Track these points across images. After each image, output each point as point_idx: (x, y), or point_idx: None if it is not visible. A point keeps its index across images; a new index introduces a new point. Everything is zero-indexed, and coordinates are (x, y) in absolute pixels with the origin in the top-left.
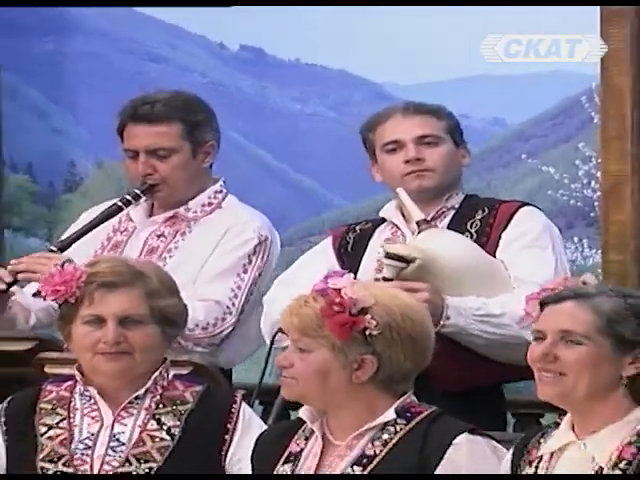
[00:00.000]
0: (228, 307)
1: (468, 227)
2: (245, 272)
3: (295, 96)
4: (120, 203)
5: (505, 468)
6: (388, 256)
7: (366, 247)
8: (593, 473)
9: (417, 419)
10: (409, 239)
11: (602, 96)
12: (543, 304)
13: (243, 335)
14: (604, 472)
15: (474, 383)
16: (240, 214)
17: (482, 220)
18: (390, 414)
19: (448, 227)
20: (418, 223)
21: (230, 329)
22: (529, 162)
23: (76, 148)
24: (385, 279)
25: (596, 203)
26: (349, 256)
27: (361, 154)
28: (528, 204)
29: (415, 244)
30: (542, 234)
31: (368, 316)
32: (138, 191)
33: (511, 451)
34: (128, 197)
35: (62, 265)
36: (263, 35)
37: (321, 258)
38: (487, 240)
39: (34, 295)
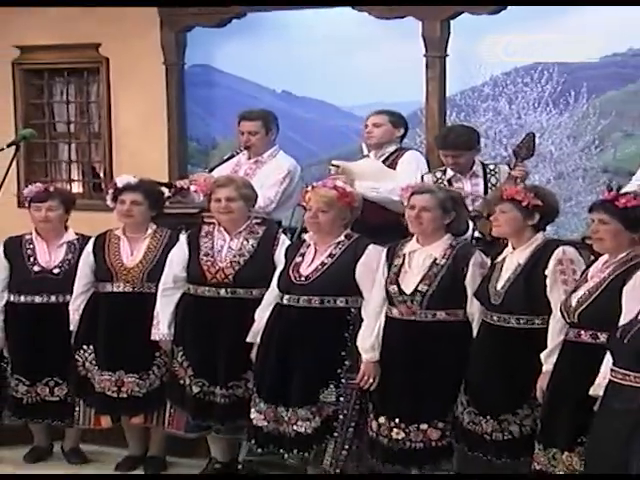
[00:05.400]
0: (274, 199)
1: (390, 160)
2: (282, 184)
3: (307, 110)
4: (235, 153)
5: (383, 260)
6: (329, 164)
7: None
8: (430, 262)
9: (352, 239)
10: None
11: (426, 111)
12: (414, 193)
13: (279, 210)
14: (437, 262)
15: (383, 219)
16: (282, 159)
17: (395, 157)
18: (342, 237)
19: (383, 162)
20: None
21: (274, 207)
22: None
23: (216, 132)
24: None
25: (424, 152)
26: None
27: (333, 138)
28: (411, 148)
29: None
30: (411, 160)
31: (355, 197)
32: (243, 148)
33: (385, 250)
34: (238, 150)
35: (203, 181)
36: (294, 86)
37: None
38: (395, 166)
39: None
